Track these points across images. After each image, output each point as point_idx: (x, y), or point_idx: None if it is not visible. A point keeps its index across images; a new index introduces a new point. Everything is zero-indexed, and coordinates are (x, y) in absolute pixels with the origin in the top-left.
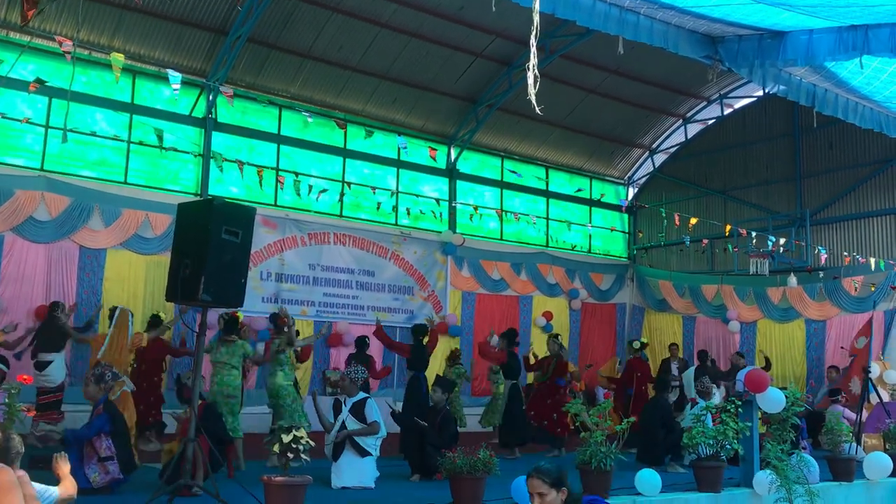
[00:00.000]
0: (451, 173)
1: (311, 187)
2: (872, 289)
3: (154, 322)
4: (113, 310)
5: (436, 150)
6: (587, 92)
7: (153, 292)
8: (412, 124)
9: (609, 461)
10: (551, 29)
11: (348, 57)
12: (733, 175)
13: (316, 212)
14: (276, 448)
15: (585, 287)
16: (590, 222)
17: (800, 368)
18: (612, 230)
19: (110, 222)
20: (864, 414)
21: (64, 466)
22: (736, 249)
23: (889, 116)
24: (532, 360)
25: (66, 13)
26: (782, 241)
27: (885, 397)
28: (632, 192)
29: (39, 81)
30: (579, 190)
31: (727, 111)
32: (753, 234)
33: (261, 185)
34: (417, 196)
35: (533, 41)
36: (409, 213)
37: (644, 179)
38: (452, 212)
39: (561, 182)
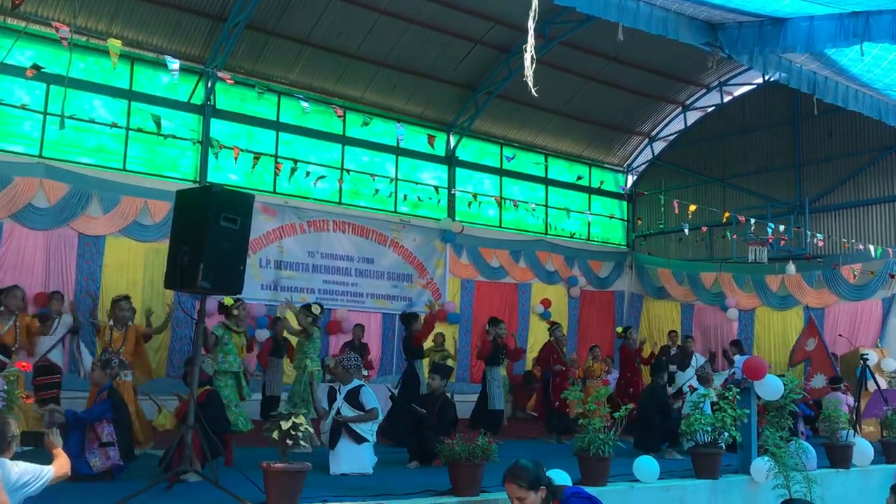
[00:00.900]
0: (451, 161)
1: (308, 173)
2: (872, 275)
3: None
4: (114, 301)
5: (434, 137)
6: (587, 79)
7: (152, 279)
8: (411, 111)
9: (608, 448)
10: (551, 16)
11: (347, 44)
12: (732, 163)
13: (315, 199)
14: (274, 435)
15: (584, 274)
16: (589, 210)
17: None
18: (610, 218)
19: (109, 209)
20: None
21: (57, 443)
22: (735, 237)
23: (889, 104)
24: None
25: None
26: (781, 227)
27: (883, 384)
28: (631, 179)
29: (36, 67)
30: (579, 178)
31: (727, 99)
32: (753, 221)
33: (252, 169)
34: (416, 183)
35: (531, 23)
36: (405, 199)
37: (643, 167)
38: (451, 199)
39: (560, 169)
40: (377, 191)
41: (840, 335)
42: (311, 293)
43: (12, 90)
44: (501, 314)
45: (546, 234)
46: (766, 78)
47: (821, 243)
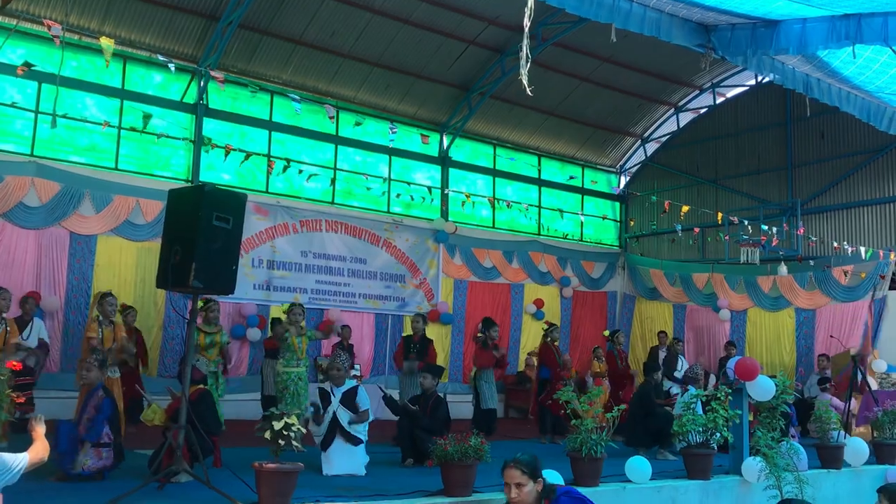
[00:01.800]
0: (444, 161)
1: (300, 171)
2: (863, 276)
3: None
4: (102, 296)
5: (427, 136)
6: (580, 80)
7: (144, 279)
8: (404, 112)
9: (600, 448)
10: (544, 17)
11: (341, 43)
12: (725, 164)
13: (308, 199)
14: (267, 435)
15: (577, 275)
16: (581, 210)
17: (789, 357)
18: (603, 218)
19: (101, 208)
20: (853, 403)
21: (39, 428)
22: (727, 238)
23: (880, 106)
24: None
25: None
26: (773, 229)
27: (874, 385)
28: (623, 180)
29: (28, 65)
30: (571, 177)
31: (719, 100)
32: (746, 222)
33: (241, 164)
34: (409, 184)
35: (527, 20)
36: (398, 197)
37: (636, 168)
38: (445, 199)
39: (553, 170)
40: (369, 188)
41: (831, 336)
42: (304, 293)
43: (3, 88)
44: (494, 314)
45: (539, 234)
46: (759, 80)
47: (811, 244)
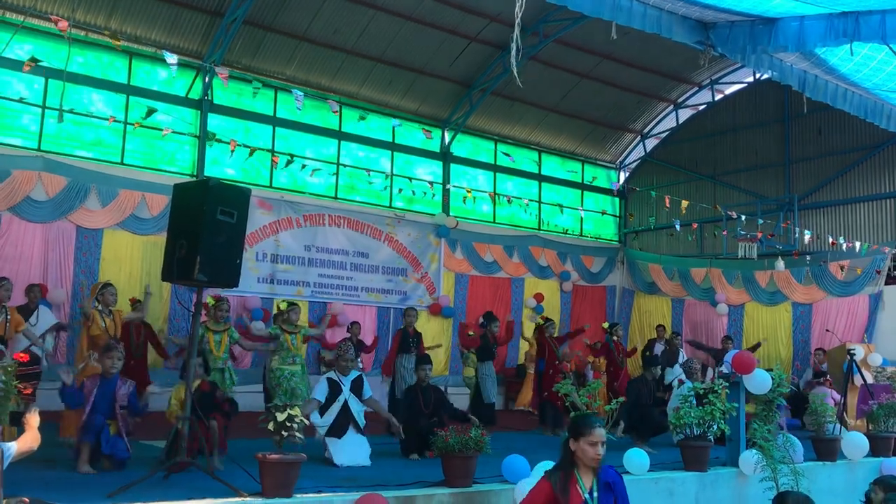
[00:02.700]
0: (445, 156)
1: (304, 166)
2: (859, 272)
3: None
4: (103, 286)
5: (430, 131)
6: (580, 77)
7: (149, 272)
8: (407, 108)
9: None
10: (545, 14)
11: (344, 40)
12: (723, 160)
13: (311, 194)
14: (270, 426)
15: (576, 270)
16: (581, 206)
17: (786, 351)
18: (603, 214)
19: (107, 202)
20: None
21: (32, 420)
22: (725, 233)
23: (877, 104)
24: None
25: None
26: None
27: (870, 379)
28: (623, 176)
29: (34, 61)
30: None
31: (718, 97)
32: (743, 217)
33: (246, 159)
34: (411, 179)
35: (518, 10)
36: (400, 192)
37: (635, 164)
38: (446, 195)
39: (553, 166)
40: (371, 183)
41: (827, 330)
42: (307, 286)
43: (11, 84)
44: (495, 308)
45: (539, 229)
46: (757, 77)
47: (808, 239)
